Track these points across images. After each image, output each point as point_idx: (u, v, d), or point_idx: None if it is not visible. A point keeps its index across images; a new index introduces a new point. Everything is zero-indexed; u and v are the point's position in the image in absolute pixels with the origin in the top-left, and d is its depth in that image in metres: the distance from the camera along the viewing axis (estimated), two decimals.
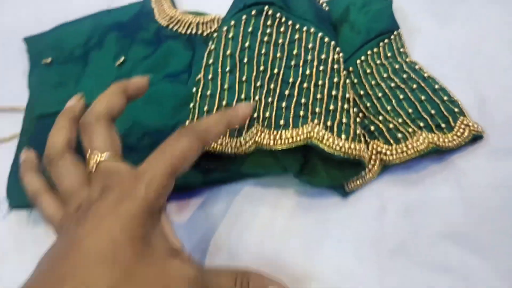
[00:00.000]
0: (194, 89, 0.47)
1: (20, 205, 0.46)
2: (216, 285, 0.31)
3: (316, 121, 0.42)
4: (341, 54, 0.47)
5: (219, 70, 0.46)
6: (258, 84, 0.45)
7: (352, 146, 0.40)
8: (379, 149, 0.43)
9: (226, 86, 0.46)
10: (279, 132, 0.41)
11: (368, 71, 0.49)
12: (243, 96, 0.45)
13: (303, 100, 0.43)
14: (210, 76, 0.46)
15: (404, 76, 0.49)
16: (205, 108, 0.45)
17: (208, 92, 0.46)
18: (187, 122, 0.45)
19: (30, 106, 0.54)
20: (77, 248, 0.27)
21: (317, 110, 0.42)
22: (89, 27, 0.57)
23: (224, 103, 0.45)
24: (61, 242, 0.29)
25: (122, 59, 0.54)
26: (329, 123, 0.42)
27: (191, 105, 0.46)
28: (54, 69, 0.55)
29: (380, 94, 0.47)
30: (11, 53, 0.60)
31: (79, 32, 0.57)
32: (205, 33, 0.54)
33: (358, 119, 0.44)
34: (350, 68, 0.49)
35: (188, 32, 0.55)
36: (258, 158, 0.43)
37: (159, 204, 0.31)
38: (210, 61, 0.47)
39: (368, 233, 0.41)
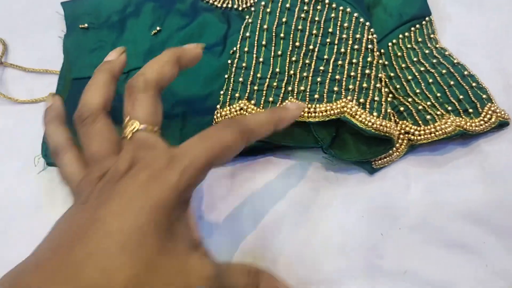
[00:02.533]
0: (230, 61, 0.48)
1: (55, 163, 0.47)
2: (228, 279, 0.28)
3: (349, 97, 0.43)
4: (375, 35, 0.48)
5: (255, 43, 0.48)
6: (294, 59, 0.46)
7: (383, 123, 0.41)
8: (407, 129, 0.45)
9: (261, 59, 0.47)
10: (313, 105, 0.43)
11: (399, 54, 0.50)
12: (277, 69, 0.46)
13: (337, 77, 0.44)
14: (246, 49, 0.48)
15: (434, 61, 0.50)
16: (240, 79, 0.46)
17: (244, 65, 0.47)
18: (222, 92, 0.47)
19: (65, 69, 0.55)
20: (100, 229, 0.25)
21: (350, 87, 0.44)
22: None
23: (258, 75, 0.46)
24: (82, 215, 0.27)
25: (158, 28, 0.55)
26: (361, 100, 0.43)
27: (226, 76, 0.48)
28: (91, 34, 0.56)
29: (409, 77, 0.48)
30: (48, 15, 0.61)
31: None
32: (240, 8, 0.55)
33: (388, 99, 0.45)
34: (382, 50, 0.51)
35: (224, 6, 0.56)
36: (289, 130, 0.44)
37: (189, 194, 0.29)
38: (247, 34, 0.48)
39: (391, 209, 0.43)
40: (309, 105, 0.43)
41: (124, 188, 0.27)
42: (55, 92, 0.54)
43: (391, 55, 0.51)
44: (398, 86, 0.48)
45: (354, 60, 0.45)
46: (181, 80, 0.51)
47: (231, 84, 0.46)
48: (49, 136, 0.36)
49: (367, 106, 0.43)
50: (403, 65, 0.50)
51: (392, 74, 0.49)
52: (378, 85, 0.44)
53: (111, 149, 0.31)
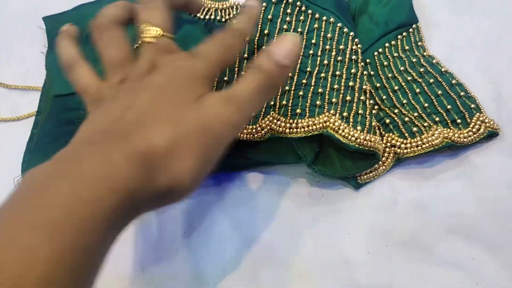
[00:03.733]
0: None
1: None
2: None
3: (332, 111, 0.42)
4: (359, 46, 0.47)
5: (237, 56, 0.47)
6: None
7: (368, 137, 0.40)
8: (393, 142, 0.44)
9: (243, 73, 0.46)
10: (295, 121, 0.42)
11: (385, 63, 0.49)
12: None
13: (319, 90, 0.43)
14: None
15: (421, 70, 0.48)
16: None
17: (225, 78, 0.46)
18: None
19: (47, 86, 0.54)
20: (136, 110, 0.27)
21: (333, 100, 0.43)
22: None
23: None
24: (114, 107, 0.29)
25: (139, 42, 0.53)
26: (345, 114, 0.42)
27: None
28: None
29: (396, 87, 0.47)
30: (30, 31, 0.60)
31: (97, 12, 0.57)
32: (223, 19, 0.54)
33: (373, 111, 0.44)
34: (367, 60, 0.49)
35: (207, 17, 0.54)
36: (272, 146, 0.43)
37: (215, 74, 0.32)
38: None
39: (379, 226, 0.42)
40: (291, 121, 0.42)
41: (151, 81, 0.29)
42: (37, 110, 0.53)
43: (377, 64, 0.49)
44: (384, 97, 0.47)
45: (337, 72, 0.44)
46: None
47: None
48: (61, 50, 0.37)
49: (351, 120, 0.41)
50: (390, 75, 0.48)
51: (378, 85, 0.48)
52: (362, 97, 0.43)
53: (128, 56, 0.33)
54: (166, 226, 0.44)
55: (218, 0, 0.57)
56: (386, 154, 0.43)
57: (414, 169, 0.44)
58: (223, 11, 0.55)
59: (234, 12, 0.54)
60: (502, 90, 0.47)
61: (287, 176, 0.45)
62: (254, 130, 0.42)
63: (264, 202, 0.44)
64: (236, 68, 0.46)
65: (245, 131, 0.42)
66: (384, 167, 0.43)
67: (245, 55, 0.46)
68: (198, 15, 0.55)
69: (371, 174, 0.43)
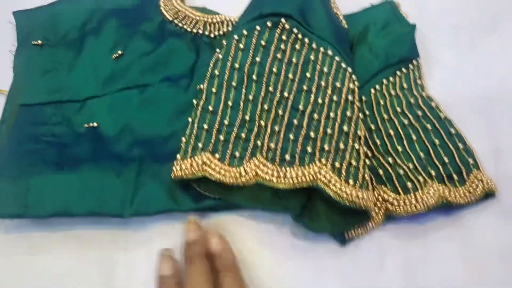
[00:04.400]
0: (195, 102, 0.43)
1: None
2: None
3: (323, 160, 0.38)
4: (356, 83, 0.43)
5: (225, 83, 0.43)
6: (266, 107, 0.41)
7: (360, 194, 0.37)
8: (386, 196, 0.41)
9: (230, 103, 0.42)
10: (283, 169, 0.38)
11: (382, 102, 0.46)
12: (247, 117, 0.41)
13: (312, 134, 0.40)
14: (213, 89, 0.43)
15: (419, 113, 0.45)
16: (205, 126, 0.41)
17: (210, 108, 0.42)
18: (184, 138, 0.42)
19: (14, 92, 0.49)
20: None
21: (325, 147, 0.39)
22: (88, 8, 0.52)
23: (226, 122, 0.41)
24: None
25: (119, 52, 0.49)
26: (337, 164, 0.38)
27: (190, 119, 0.43)
28: (45, 53, 0.50)
29: (391, 132, 0.44)
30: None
31: (76, 12, 0.52)
32: (212, 35, 0.50)
33: (367, 162, 0.41)
34: (363, 98, 0.46)
35: (194, 31, 0.50)
36: (256, 192, 0.40)
37: None
38: (216, 71, 0.43)
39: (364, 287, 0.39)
40: (279, 168, 0.38)
41: None
42: (0, 118, 0.48)
43: (373, 103, 0.46)
44: (378, 142, 0.44)
45: (331, 114, 0.41)
46: (142, 115, 0.46)
47: (194, 130, 0.41)
48: (160, 267, 0.38)
49: (343, 172, 0.38)
50: (386, 117, 0.45)
51: (373, 127, 0.45)
52: (356, 145, 0.40)
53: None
54: None
55: (208, 12, 0.52)
56: (376, 209, 0.40)
57: (405, 226, 0.42)
58: (212, 25, 0.50)
59: (224, 28, 0.50)
60: (501, 144, 0.45)
61: (269, 223, 0.42)
62: (238, 174, 0.39)
63: (242, 250, 0.40)
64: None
65: (227, 174, 0.39)
66: (373, 223, 0.40)
67: (234, 84, 0.42)
68: (185, 26, 0.50)
69: (359, 231, 0.40)
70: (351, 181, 0.38)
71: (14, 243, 0.42)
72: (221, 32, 0.50)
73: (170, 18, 0.51)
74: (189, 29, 0.50)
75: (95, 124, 0.45)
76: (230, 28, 0.49)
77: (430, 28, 0.52)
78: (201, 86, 0.44)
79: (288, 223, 0.42)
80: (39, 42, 0.50)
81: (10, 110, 0.48)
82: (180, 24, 0.50)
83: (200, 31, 0.50)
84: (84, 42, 0.50)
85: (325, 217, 0.39)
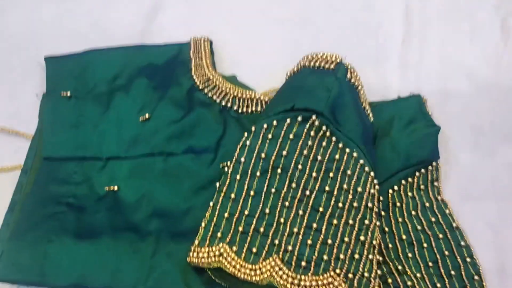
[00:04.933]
0: (218, 185, 0.44)
1: None
2: None
3: (338, 270, 0.40)
4: (377, 188, 0.44)
5: (249, 171, 0.43)
6: (287, 203, 0.42)
7: None
8: None
9: (252, 193, 0.43)
10: (298, 276, 0.39)
11: (398, 204, 0.47)
12: (267, 210, 0.42)
13: (329, 241, 0.41)
14: (237, 176, 0.43)
15: (433, 219, 0.47)
16: (225, 214, 0.42)
17: (232, 195, 0.43)
18: (203, 223, 0.42)
19: (38, 141, 0.49)
20: None
21: (341, 256, 0.40)
22: (119, 61, 0.52)
23: (246, 212, 0.42)
24: None
25: (147, 115, 0.50)
26: (350, 275, 0.40)
27: (211, 203, 0.43)
28: (72, 105, 0.51)
29: (404, 236, 0.45)
30: (26, 64, 0.54)
31: (107, 64, 0.52)
32: (240, 110, 0.51)
33: (378, 271, 0.42)
34: (380, 198, 0.47)
35: (223, 103, 0.51)
36: None
37: None
38: (242, 158, 0.44)
39: None
40: (293, 275, 0.39)
41: None
42: (22, 167, 0.49)
43: (390, 203, 0.47)
44: (390, 246, 0.45)
45: (350, 221, 0.42)
46: (163, 185, 0.47)
47: (215, 217, 0.42)
48: None
49: (355, 283, 0.39)
50: (400, 219, 0.47)
51: (386, 229, 0.46)
52: (370, 256, 0.41)
53: None
54: None
55: (237, 83, 0.53)
56: None
57: None
58: (241, 100, 0.51)
59: (253, 107, 0.51)
60: (507, 263, 0.46)
61: None
62: (253, 272, 0.40)
63: None
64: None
65: (242, 269, 0.40)
66: None
67: (258, 173, 0.43)
68: (214, 97, 0.51)
69: None
70: None
71: None
72: (249, 110, 0.51)
73: (200, 86, 0.51)
74: (218, 100, 0.51)
75: (116, 188, 0.46)
76: (258, 107, 0.50)
77: (451, 127, 0.53)
78: (225, 164, 0.44)
79: None
80: (68, 94, 0.51)
81: (33, 161, 0.49)
82: (209, 94, 0.51)
83: (229, 105, 0.51)
84: (112, 98, 0.51)
85: None
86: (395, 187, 0.48)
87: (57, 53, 0.54)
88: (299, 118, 0.45)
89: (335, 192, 0.43)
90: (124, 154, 0.48)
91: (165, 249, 0.44)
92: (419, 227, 0.46)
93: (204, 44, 0.54)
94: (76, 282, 0.42)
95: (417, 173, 0.49)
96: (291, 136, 0.44)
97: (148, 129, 0.49)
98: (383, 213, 0.47)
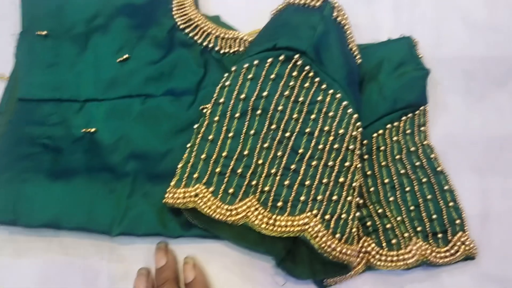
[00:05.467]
0: (196, 127, 0.43)
1: None
2: None
3: (315, 211, 0.39)
4: (360, 130, 0.43)
5: (228, 113, 0.42)
6: (266, 145, 0.41)
7: (344, 250, 0.38)
8: (369, 249, 0.42)
9: (231, 134, 0.42)
10: (274, 217, 0.39)
11: (382, 148, 0.46)
12: (246, 152, 0.41)
13: (307, 182, 0.40)
14: (216, 118, 0.42)
15: (417, 163, 0.46)
16: (202, 156, 0.41)
17: (210, 137, 0.42)
18: (180, 164, 0.42)
19: (14, 82, 0.48)
20: None
21: (319, 197, 0.39)
22: (98, 0, 0.50)
23: (224, 154, 0.41)
24: None
25: (125, 56, 0.48)
26: (327, 216, 0.39)
27: (188, 145, 0.43)
28: (48, 44, 0.48)
29: (386, 180, 0.45)
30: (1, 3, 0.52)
31: (86, 3, 0.50)
32: (222, 51, 0.49)
33: (357, 213, 0.41)
34: (364, 141, 0.46)
35: (205, 43, 0.49)
36: (244, 231, 0.41)
37: None
38: (221, 99, 0.43)
39: None
40: (269, 215, 0.39)
41: None
42: None
43: (373, 148, 0.46)
44: (372, 189, 0.44)
45: (330, 163, 0.41)
46: (141, 127, 0.46)
47: (191, 159, 0.41)
48: (135, 284, 0.41)
49: (332, 224, 0.39)
50: (383, 163, 0.46)
51: (369, 172, 0.45)
52: (349, 197, 0.40)
53: None
54: None
55: (220, 23, 0.51)
56: (359, 259, 0.42)
57: (383, 276, 0.43)
58: (224, 41, 0.49)
59: (236, 47, 0.49)
60: (491, 209, 0.45)
61: (252, 256, 0.43)
62: (228, 213, 0.39)
63: (224, 281, 0.42)
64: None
65: (218, 210, 0.39)
66: (353, 273, 0.42)
67: (237, 115, 0.42)
68: (196, 38, 0.49)
69: (337, 278, 0.41)
70: (338, 235, 0.38)
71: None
72: (232, 50, 0.49)
73: (182, 26, 0.49)
74: (199, 41, 0.49)
75: (93, 130, 0.45)
76: (241, 48, 0.48)
77: (442, 71, 0.51)
78: (204, 107, 0.43)
79: (270, 260, 0.43)
80: (44, 33, 0.49)
81: (7, 102, 0.47)
82: (191, 34, 0.49)
83: (211, 45, 0.49)
84: (90, 38, 0.49)
85: (308, 263, 0.40)
86: (380, 131, 0.47)
87: None
88: (281, 57, 0.43)
89: (316, 134, 0.42)
90: (102, 96, 0.47)
91: (142, 190, 0.44)
92: (402, 171, 0.45)
93: None
94: (50, 221, 0.42)
95: (403, 117, 0.48)
96: (272, 76, 0.43)
97: (126, 70, 0.48)
98: (366, 156, 0.46)
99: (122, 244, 0.44)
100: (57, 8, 0.50)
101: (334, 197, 0.40)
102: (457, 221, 0.44)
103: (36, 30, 0.49)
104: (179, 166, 0.42)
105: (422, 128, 0.48)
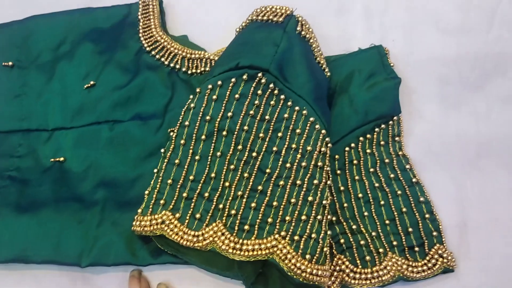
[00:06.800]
0: (163, 151, 0.42)
1: None
2: None
3: (283, 232, 0.38)
4: (329, 146, 0.42)
5: (194, 135, 0.42)
6: (232, 166, 0.41)
7: (315, 271, 0.37)
8: (343, 267, 0.41)
9: (197, 157, 0.41)
10: (241, 240, 0.38)
11: (355, 161, 0.45)
12: (213, 174, 0.41)
13: (274, 203, 0.39)
14: (182, 141, 0.42)
15: (391, 175, 0.45)
16: (169, 181, 0.41)
17: (177, 161, 0.41)
18: (147, 191, 0.41)
19: None
20: None
21: (287, 218, 0.39)
22: (64, 27, 0.49)
23: (191, 177, 0.41)
24: None
25: (91, 83, 0.47)
26: (296, 238, 0.38)
27: (155, 170, 0.42)
28: (15, 75, 0.48)
29: (360, 195, 0.44)
30: None
31: (51, 30, 0.49)
32: (189, 71, 0.48)
33: (329, 232, 0.40)
34: (336, 156, 0.45)
35: (172, 65, 0.48)
36: (212, 255, 0.40)
37: None
38: (186, 122, 0.42)
39: None
40: (236, 239, 0.38)
41: None
42: None
43: (346, 162, 0.45)
44: (346, 205, 0.43)
45: (298, 182, 0.40)
46: (110, 154, 0.45)
47: (158, 184, 0.41)
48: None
49: (301, 245, 0.38)
50: (357, 177, 0.45)
51: (342, 188, 0.44)
52: (319, 216, 0.39)
53: None
54: None
55: (188, 43, 0.51)
56: (333, 278, 0.41)
57: None
58: (190, 61, 0.49)
59: (202, 67, 0.48)
60: (468, 219, 0.44)
61: (224, 279, 0.42)
62: (195, 239, 0.38)
63: None
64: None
65: (185, 236, 0.39)
66: None
67: (203, 137, 0.41)
68: (163, 59, 0.49)
69: None
70: (308, 256, 0.37)
71: None
72: (199, 70, 0.48)
73: (148, 48, 0.49)
74: (166, 62, 0.48)
75: (62, 159, 0.45)
76: (208, 68, 0.48)
77: (417, 78, 0.50)
78: (172, 130, 0.43)
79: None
80: (10, 63, 0.48)
81: None
82: (157, 56, 0.48)
83: (178, 66, 0.48)
84: (56, 66, 0.49)
85: (280, 286, 0.39)
86: (352, 144, 0.46)
87: (2, 21, 0.51)
88: (245, 76, 0.42)
89: (283, 152, 0.41)
90: (70, 124, 0.47)
91: (111, 218, 0.43)
92: (377, 184, 0.44)
93: (152, 4, 0.51)
94: (17, 256, 0.41)
95: (376, 129, 0.47)
96: (236, 96, 0.42)
97: (93, 96, 0.47)
98: (339, 172, 0.45)
99: (95, 274, 0.43)
100: (23, 38, 0.50)
101: (303, 217, 0.39)
102: (434, 233, 0.43)
103: (2, 61, 0.48)
104: (146, 192, 0.41)
105: (396, 139, 0.47)
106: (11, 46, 0.49)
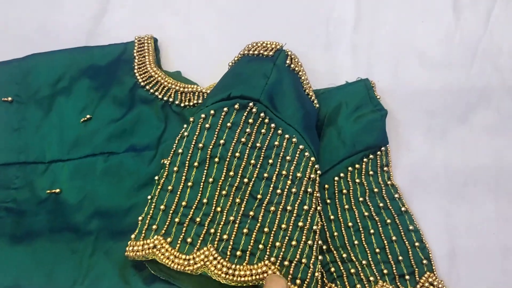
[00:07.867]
0: (157, 178, 0.43)
1: None
2: None
3: (273, 258, 0.38)
4: (318, 172, 0.43)
5: (187, 162, 0.42)
6: (224, 192, 0.41)
7: None
8: None
9: (190, 183, 0.42)
10: (233, 266, 0.38)
11: (345, 191, 0.46)
12: (205, 200, 0.41)
13: (265, 229, 0.40)
14: (175, 168, 0.42)
15: (381, 204, 0.45)
16: (162, 207, 0.41)
17: (170, 187, 0.42)
18: (141, 217, 0.41)
19: None
20: None
21: (277, 244, 0.39)
22: (63, 63, 0.51)
23: (183, 203, 0.41)
24: None
25: (88, 116, 0.49)
26: (286, 263, 0.38)
27: (149, 197, 0.43)
28: (14, 109, 0.50)
29: (350, 224, 0.44)
30: None
31: (51, 67, 0.51)
32: (182, 104, 0.50)
33: (320, 257, 0.40)
34: (326, 185, 0.46)
35: (165, 98, 0.50)
36: (204, 281, 0.40)
37: None
38: (180, 149, 0.43)
39: None
40: (228, 264, 0.38)
41: None
42: None
43: (336, 191, 0.46)
44: (336, 234, 0.44)
45: (288, 207, 0.41)
46: (105, 185, 0.46)
47: (151, 210, 0.41)
48: None
49: (291, 270, 0.38)
50: (346, 206, 0.45)
51: (332, 217, 0.45)
52: (309, 241, 0.40)
53: None
54: None
55: (181, 78, 0.53)
56: None
57: None
58: (183, 94, 0.50)
59: (195, 100, 0.50)
60: (457, 247, 0.45)
61: None
62: (186, 262, 0.39)
63: None
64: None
65: (176, 260, 0.39)
66: None
67: (196, 164, 0.42)
68: (157, 93, 0.50)
69: None
70: (298, 281, 0.38)
71: None
72: (191, 103, 0.50)
73: (143, 83, 0.50)
74: (160, 96, 0.50)
75: (58, 190, 0.45)
76: (200, 100, 0.49)
77: (404, 110, 0.52)
78: (165, 160, 0.44)
79: None
80: (9, 99, 0.50)
81: None
82: (151, 90, 0.50)
83: (171, 99, 0.50)
84: (54, 101, 0.50)
85: None
86: (341, 174, 0.47)
87: (2, 59, 0.53)
88: (236, 106, 0.44)
89: (274, 179, 0.42)
90: (66, 157, 0.47)
91: (104, 247, 0.43)
92: (366, 213, 0.45)
93: (147, 42, 0.53)
94: (11, 285, 0.41)
95: (365, 159, 0.48)
96: (228, 124, 0.43)
97: (89, 129, 0.49)
98: (329, 201, 0.46)
99: None
100: (23, 74, 0.51)
101: (294, 242, 0.39)
102: (424, 261, 0.43)
103: (1, 97, 0.50)
104: (140, 218, 0.42)
105: (385, 169, 0.48)
106: (11, 82, 0.51)
